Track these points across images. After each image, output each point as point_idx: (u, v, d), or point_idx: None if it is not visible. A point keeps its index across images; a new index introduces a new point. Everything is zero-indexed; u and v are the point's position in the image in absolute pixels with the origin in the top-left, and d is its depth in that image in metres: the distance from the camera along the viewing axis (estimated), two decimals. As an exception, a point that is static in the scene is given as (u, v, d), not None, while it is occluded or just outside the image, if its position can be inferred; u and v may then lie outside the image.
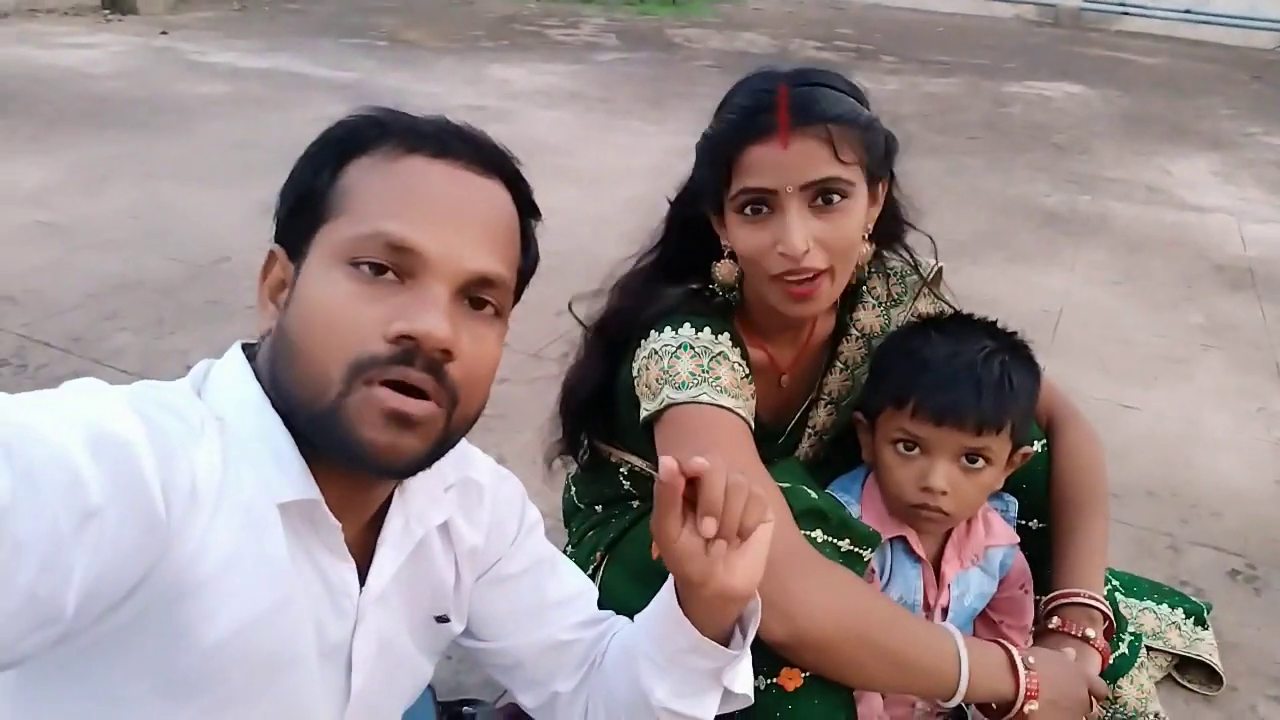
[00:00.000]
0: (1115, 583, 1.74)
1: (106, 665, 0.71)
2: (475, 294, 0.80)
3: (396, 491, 0.91)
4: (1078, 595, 1.30)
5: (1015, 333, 1.34)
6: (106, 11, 8.46)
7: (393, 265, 0.76)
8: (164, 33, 7.64)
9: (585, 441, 1.49)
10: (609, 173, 4.70)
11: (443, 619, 0.99)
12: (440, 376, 0.76)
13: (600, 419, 1.42)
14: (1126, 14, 13.53)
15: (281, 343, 0.79)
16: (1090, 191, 5.09)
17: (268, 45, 7.51)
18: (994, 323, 1.35)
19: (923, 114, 6.78)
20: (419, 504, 0.92)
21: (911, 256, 1.39)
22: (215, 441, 0.75)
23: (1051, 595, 1.32)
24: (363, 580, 0.88)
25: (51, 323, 2.86)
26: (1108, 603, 1.31)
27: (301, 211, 0.81)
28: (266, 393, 0.80)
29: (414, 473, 0.81)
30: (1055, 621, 1.28)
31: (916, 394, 1.23)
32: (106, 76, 6.03)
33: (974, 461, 1.25)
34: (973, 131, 6.40)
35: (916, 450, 1.26)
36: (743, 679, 0.95)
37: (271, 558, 0.77)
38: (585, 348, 1.41)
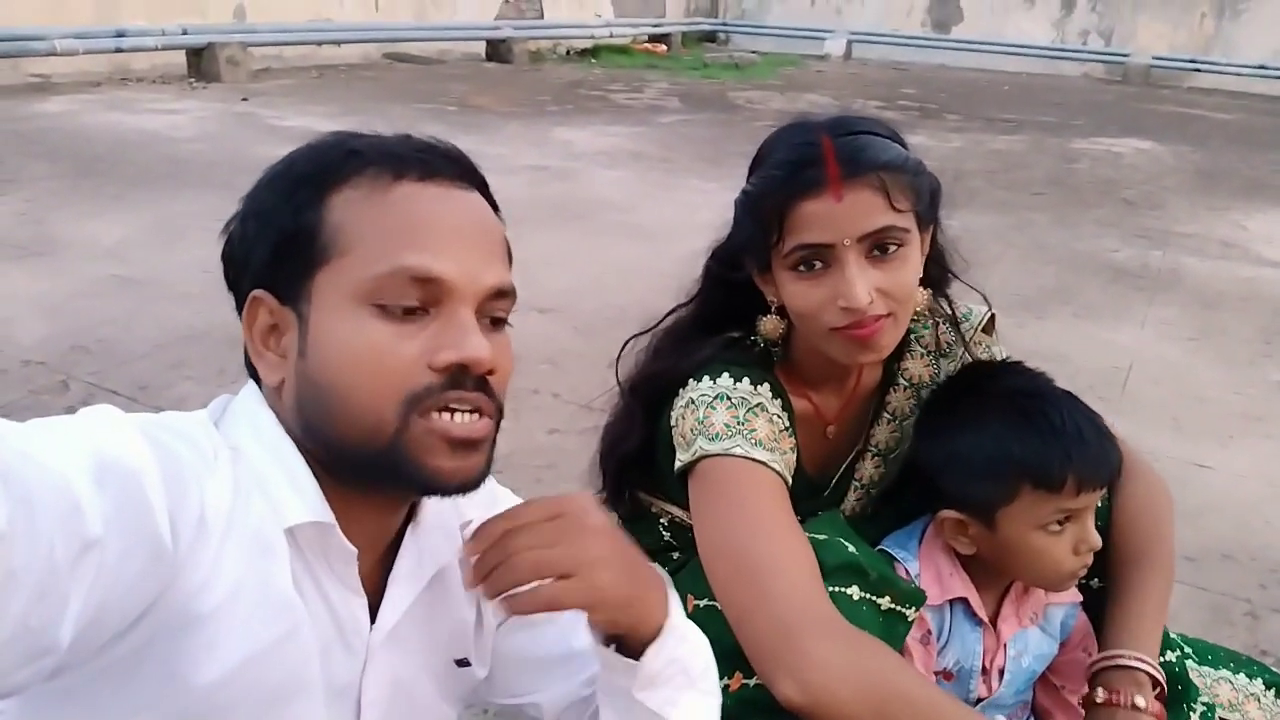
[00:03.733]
0: (1188, 650, 1.64)
1: (109, 698, 0.70)
2: (490, 307, 0.81)
3: (409, 527, 0.89)
4: (1121, 657, 1.21)
5: (1000, 352, 1.36)
6: (192, 80, 8.88)
7: (419, 298, 0.77)
8: (245, 99, 7.98)
9: (626, 492, 1.47)
10: (668, 228, 4.72)
11: (463, 663, 0.96)
12: (488, 391, 0.78)
13: (641, 469, 1.40)
14: (1198, 70, 13.37)
15: (312, 392, 0.77)
16: (1162, 247, 4.97)
17: (342, 110, 7.78)
18: (1019, 365, 1.33)
19: (987, 170, 6.73)
20: (433, 540, 0.90)
21: (951, 305, 1.34)
22: (227, 470, 0.74)
23: (1094, 660, 1.23)
24: (375, 618, 0.86)
25: (120, 371, 2.94)
26: (1156, 663, 1.22)
27: (289, 254, 0.78)
28: (287, 433, 0.80)
29: (479, 486, 0.81)
30: (1100, 695, 1.19)
31: (1074, 470, 1.15)
32: (188, 140, 6.29)
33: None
34: (1039, 187, 6.32)
35: (1065, 521, 1.19)
36: (688, 713, 0.89)
37: (279, 589, 0.76)
38: (623, 406, 1.39)
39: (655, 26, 15.42)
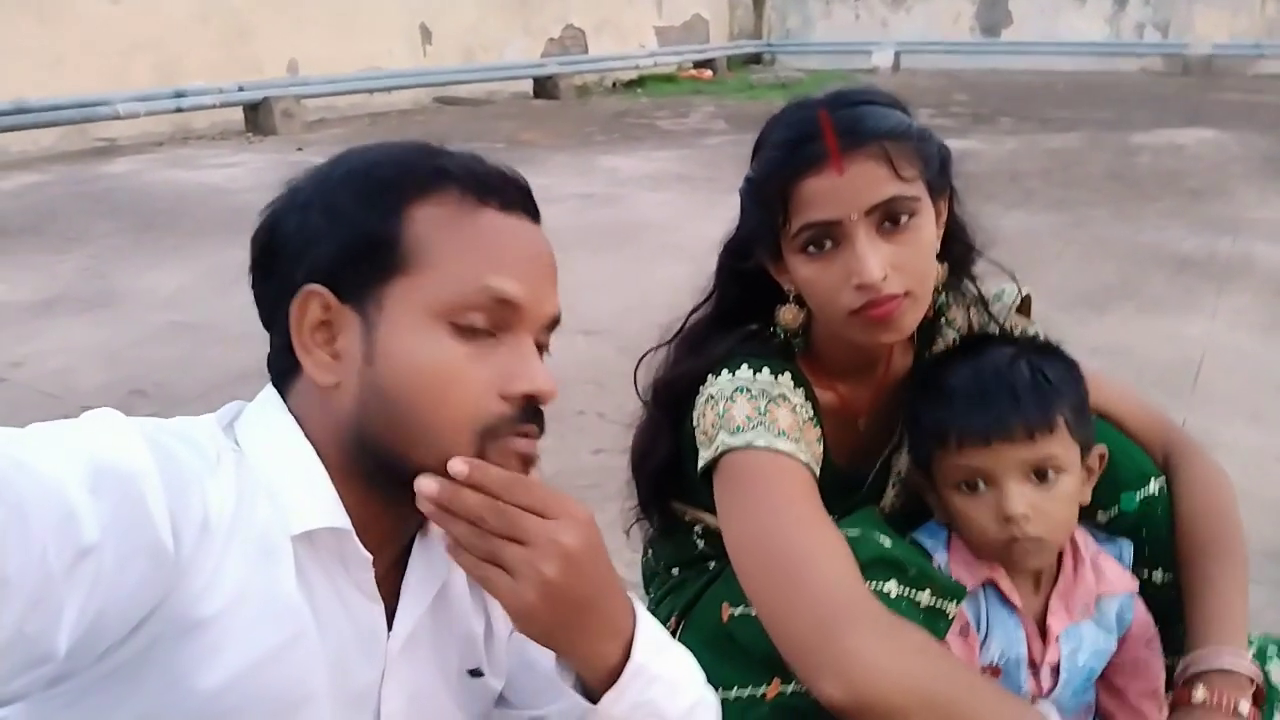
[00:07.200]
0: (1272, 650, 1.53)
1: (112, 704, 0.69)
2: (543, 336, 0.85)
3: (418, 535, 0.88)
4: (1221, 659, 1.13)
5: (1036, 335, 1.28)
6: (249, 134, 9.15)
7: (491, 321, 0.79)
8: (299, 149, 8.18)
9: (660, 504, 1.42)
10: (714, 246, 4.68)
11: (476, 673, 0.94)
12: (541, 420, 0.83)
13: (672, 477, 1.36)
14: (1262, 56, 12.94)
15: (379, 403, 0.77)
16: (1231, 234, 4.78)
17: (393, 153, 7.91)
18: (1011, 333, 1.27)
19: (1043, 169, 6.57)
20: (440, 548, 0.86)
21: (977, 285, 1.28)
22: (230, 473, 0.74)
23: (1190, 659, 1.15)
24: (390, 626, 0.85)
25: (175, 413, 2.91)
26: (1256, 665, 1.14)
27: (363, 257, 0.78)
28: (318, 438, 0.79)
29: None
30: (1201, 694, 1.11)
31: (954, 423, 1.14)
32: (244, 190, 6.45)
33: (1045, 476, 1.15)
34: (1097, 183, 6.15)
35: (981, 485, 1.16)
36: None
37: (283, 594, 0.75)
38: (647, 416, 1.36)
39: (700, 53, 15.47)
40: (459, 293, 0.77)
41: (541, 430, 0.83)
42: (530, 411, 0.80)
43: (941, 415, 1.16)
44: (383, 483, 0.79)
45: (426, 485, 0.73)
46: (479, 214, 0.81)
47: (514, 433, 0.78)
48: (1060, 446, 1.14)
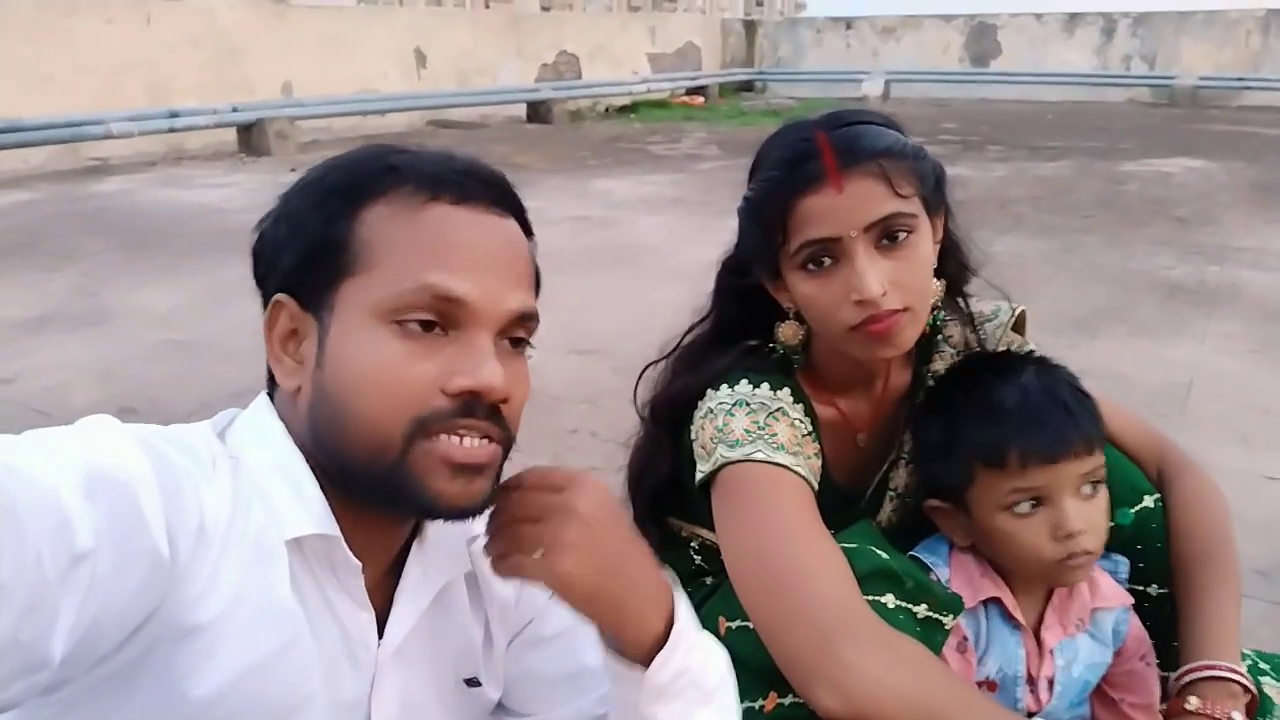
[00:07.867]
0: (1264, 665, 1.54)
1: (108, 710, 0.69)
2: (512, 332, 0.80)
3: (415, 542, 0.87)
4: (1215, 668, 1.13)
5: (1033, 351, 1.29)
6: (243, 155, 9.19)
7: (439, 317, 0.76)
8: (293, 170, 8.17)
9: (656, 519, 1.43)
10: (709, 268, 4.70)
11: (473, 682, 0.93)
12: (498, 419, 0.77)
13: (669, 493, 1.36)
14: (1247, 88, 13.14)
15: (325, 404, 0.76)
16: (1219, 262, 4.84)
17: (386, 174, 7.94)
18: (1007, 351, 1.28)
19: (1033, 196, 6.64)
20: (438, 556, 0.88)
21: (968, 303, 1.30)
22: (226, 479, 0.74)
23: (1184, 669, 1.16)
24: (381, 634, 0.84)
25: None
26: (1249, 676, 1.15)
27: (316, 262, 0.78)
28: (298, 444, 0.79)
29: (483, 511, 0.80)
30: (1194, 703, 1.11)
31: (1016, 444, 1.12)
32: (238, 210, 6.46)
33: (1094, 487, 1.16)
34: (1087, 210, 6.22)
35: (1037, 504, 1.14)
36: None
37: (277, 599, 0.74)
38: (645, 433, 1.36)
39: (692, 79, 15.62)
40: (399, 291, 0.75)
41: (503, 432, 0.79)
42: (475, 408, 0.75)
43: (998, 436, 1.14)
44: (347, 488, 0.78)
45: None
46: (426, 209, 0.78)
47: (450, 428, 0.75)
48: (1101, 457, 1.16)
